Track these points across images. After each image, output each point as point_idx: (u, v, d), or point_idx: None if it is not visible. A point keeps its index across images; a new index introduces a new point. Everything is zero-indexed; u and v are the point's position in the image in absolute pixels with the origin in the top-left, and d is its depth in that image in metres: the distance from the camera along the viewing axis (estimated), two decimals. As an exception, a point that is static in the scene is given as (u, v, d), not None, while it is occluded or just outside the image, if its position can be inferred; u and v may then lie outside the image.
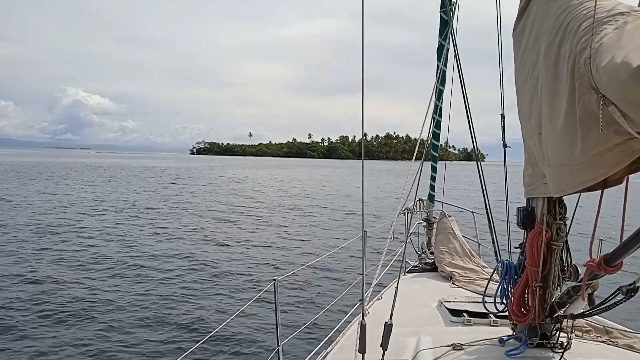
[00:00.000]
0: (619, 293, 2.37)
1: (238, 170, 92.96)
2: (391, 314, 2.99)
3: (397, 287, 3.29)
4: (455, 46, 4.35)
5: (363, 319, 3.03)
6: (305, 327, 5.65)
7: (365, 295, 4.13)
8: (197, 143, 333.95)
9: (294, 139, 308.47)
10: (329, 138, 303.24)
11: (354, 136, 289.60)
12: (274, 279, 4.11)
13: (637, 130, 1.68)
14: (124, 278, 12.13)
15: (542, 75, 2.38)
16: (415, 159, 3.92)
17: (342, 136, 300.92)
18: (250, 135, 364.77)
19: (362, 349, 2.94)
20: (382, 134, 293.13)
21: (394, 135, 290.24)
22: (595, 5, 1.98)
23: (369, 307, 4.47)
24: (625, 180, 2.17)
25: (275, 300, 4.09)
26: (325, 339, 4.54)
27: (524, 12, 2.81)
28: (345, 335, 4.07)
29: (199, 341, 4.36)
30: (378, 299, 4.87)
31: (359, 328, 3.00)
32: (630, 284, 2.30)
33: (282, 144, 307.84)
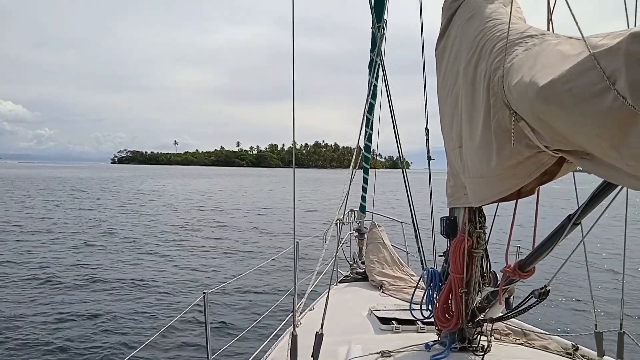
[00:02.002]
0: (532, 297, 2.53)
1: (161, 180, 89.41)
2: (322, 324, 3.01)
3: (327, 297, 3.32)
4: (382, 62, 4.47)
5: (294, 329, 3.03)
6: (237, 340, 5.55)
7: (297, 306, 4.13)
8: (118, 152, 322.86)
9: (222, 147, 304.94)
10: (258, 146, 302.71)
11: (284, 144, 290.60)
12: (204, 293, 4.04)
13: (545, 145, 1.80)
14: (46, 294, 11.48)
15: (461, 91, 2.51)
16: (349, 170, 4.00)
17: (272, 144, 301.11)
18: (176, 143, 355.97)
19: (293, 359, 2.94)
20: (311, 142, 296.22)
21: (323, 144, 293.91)
22: (509, 28, 2.12)
23: (301, 318, 4.47)
24: (537, 191, 2.33)
25: (205, 313, 4.01)
26: (257, 352, 4.50)
27: (445, 32, 2.95)
28: (277, 347, 4.04)
29: (125, 357, 4.18)
30: (310, 310, 4.88)
31: (290, 339, 3.00)
32: (542, 288, 2.47)
33: (209, 152, 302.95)
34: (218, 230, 24.30)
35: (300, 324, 4.17)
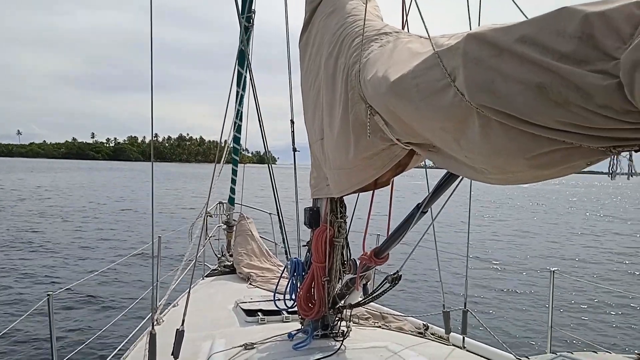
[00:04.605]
0: (385, 282, 2.69)
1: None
2: (182, 320, 2.91)
3: (189, 292, 3.22)
4: (247, 54, 4.44)
5: (153, 328, 2.89)
6: (89, 343, 5.14)
7: (159, 303, 3.95)
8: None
9: (74, 139, 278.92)
10: (115, 138, 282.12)
11: (144, 137, 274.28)
12: (48, 294, 3.69)
13: (397, 138, 1.92)
14: None
15: (322, 84, 2.57)
16: (216, 163, 3.92)
17: (131, 137, 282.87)
18: (19, 133, 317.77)
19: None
20: (174, 135, 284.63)
21: (188, 137, 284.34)
22: (364, 24, 2.22)
23: (165, 315, 4.28)
24: (391, 182, 2.48)
25: (49, 317, 3.67)
26: (112, 355, 4.22)
27: (308, 25, 3.00)
28: (136, 348, 3.83)
29: None
30: (174, 306, 4.70)
31: (149, 338, 2.86)
32: (394, 273, 2.64)
33: (59, 144, 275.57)
34: (68, 229, 21.86)
35: (163, 321, 4.01)
